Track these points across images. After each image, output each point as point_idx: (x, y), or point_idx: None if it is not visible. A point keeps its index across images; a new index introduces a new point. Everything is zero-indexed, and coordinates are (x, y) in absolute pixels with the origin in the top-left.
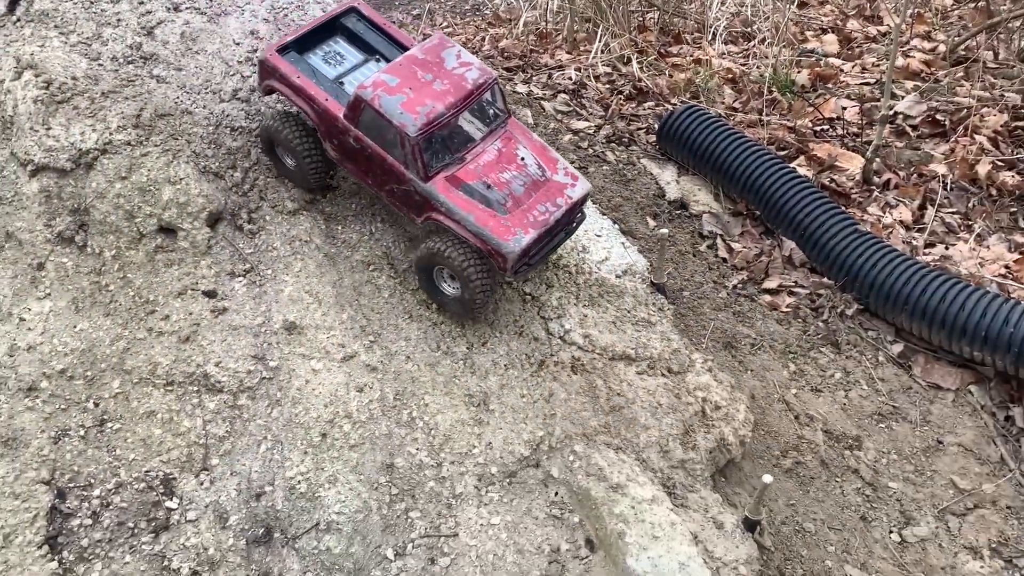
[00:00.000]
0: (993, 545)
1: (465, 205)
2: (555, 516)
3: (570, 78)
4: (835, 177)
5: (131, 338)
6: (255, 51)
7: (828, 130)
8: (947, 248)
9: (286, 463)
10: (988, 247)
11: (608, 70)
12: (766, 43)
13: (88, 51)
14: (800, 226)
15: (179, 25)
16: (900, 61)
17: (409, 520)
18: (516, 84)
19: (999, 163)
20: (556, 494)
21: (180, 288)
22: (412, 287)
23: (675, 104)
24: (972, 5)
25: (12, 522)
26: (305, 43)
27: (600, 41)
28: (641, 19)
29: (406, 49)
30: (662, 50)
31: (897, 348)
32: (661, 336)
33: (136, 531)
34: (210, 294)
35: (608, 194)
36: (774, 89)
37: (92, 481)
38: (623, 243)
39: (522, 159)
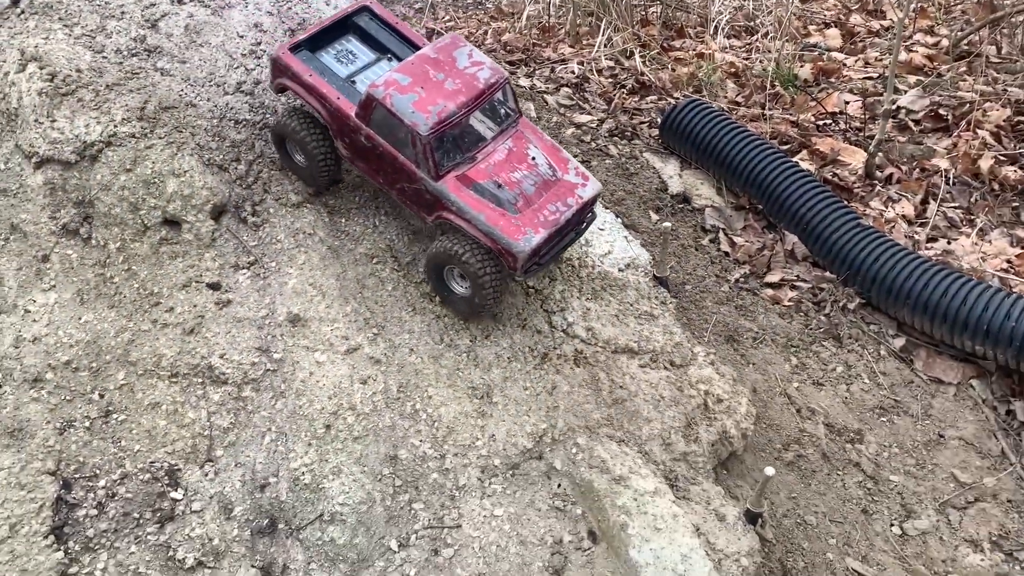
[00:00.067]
0: (994, 538)
1: (476, 204)
2: (558, 508)
3: (573, 72)
4: (837, 171)
5: (136, 330)
6: (259, 44)
7: (831, 124)
8: (949, 243)
9: (290, 454)
10: (990, 241)
11: (611, 64)
12: (769, 37)
13: (92, 43)
14: (802, 220)
15: (183, 18)
16: (903, 55)
17: (413, 511)
18: (519, 78)
19: (1001, 158)
20: (559, 486)
21: (184, 280)
22: (416, 280)
23: (678, 98)
24: (975, 0)
25: (18, 512)
26: (317, 41)
27: (603, 35)
28: (644, 13)
29: (418, 48)
30: (665, 44)
31: (899, 342)
32: (663, 329)
33: (141, 522)
34: (214, 286)
35: (611, 188)
36: (777, 83)
37: (97, 472)
38: (626, 237)
39: (533, 158)
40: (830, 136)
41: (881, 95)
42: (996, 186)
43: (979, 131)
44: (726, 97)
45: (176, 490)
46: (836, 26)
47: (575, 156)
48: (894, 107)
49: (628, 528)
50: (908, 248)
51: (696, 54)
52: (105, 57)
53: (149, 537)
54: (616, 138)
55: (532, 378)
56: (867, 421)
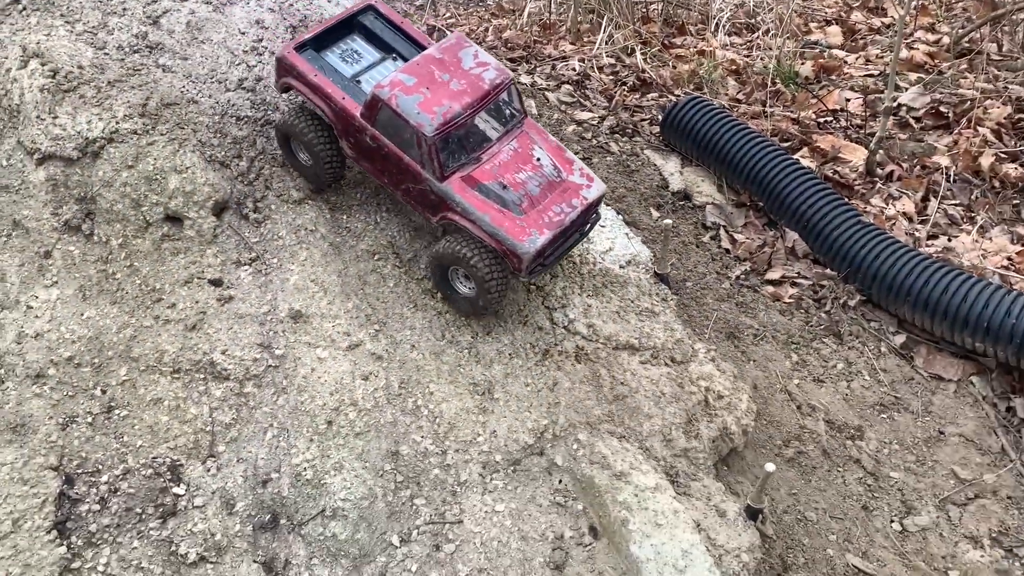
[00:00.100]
0: (993, 534)
1: (481, 205)
2: (559, 503)
3: (574, 69)
4: (838, 169)
5: (138, 326)
6: (260, 41)
7: (832, 122)
8: (950, 240)
9: (292, 450)
10: (991, 239)
11: (612, 61)
12: (770, 34)
13: (94, 40)
14: (803, 217)
15: (184, 14)
16: (904, 53)
17: (414, 507)
18: (520, 75)
19: (1002, 155)
20: (560, 482)
21: (186, 276)
22: (417, 276)
23: (679, 95)
24: None
25: (21, 507)
26: (322, 41)
27: (604, 32)
28: (645, 10)
29: (423, 48)
30: (666, 41)
31: (899, 339)
32: (664, 326)
33: (144, 517)
34: (216, 283)
35: (612, 185)
36: (778, 81)
37: (100, 467)
38: (627, 234)
39: (538, 159)
40: (831, 133)
41: (882, 92)
42: (997, 183)
43: (980, 128)
44: (727, 94)
45: (178, 485)
46: (837, 23)
47: (576, 153)
48: (895, 104)
49: (629, 524)
50: (909, 245)
51: (697, 51)
52: (107, 54)
53: (151, 532)
54: (617, 135)
55: (533, 374)
56: (867, 418)
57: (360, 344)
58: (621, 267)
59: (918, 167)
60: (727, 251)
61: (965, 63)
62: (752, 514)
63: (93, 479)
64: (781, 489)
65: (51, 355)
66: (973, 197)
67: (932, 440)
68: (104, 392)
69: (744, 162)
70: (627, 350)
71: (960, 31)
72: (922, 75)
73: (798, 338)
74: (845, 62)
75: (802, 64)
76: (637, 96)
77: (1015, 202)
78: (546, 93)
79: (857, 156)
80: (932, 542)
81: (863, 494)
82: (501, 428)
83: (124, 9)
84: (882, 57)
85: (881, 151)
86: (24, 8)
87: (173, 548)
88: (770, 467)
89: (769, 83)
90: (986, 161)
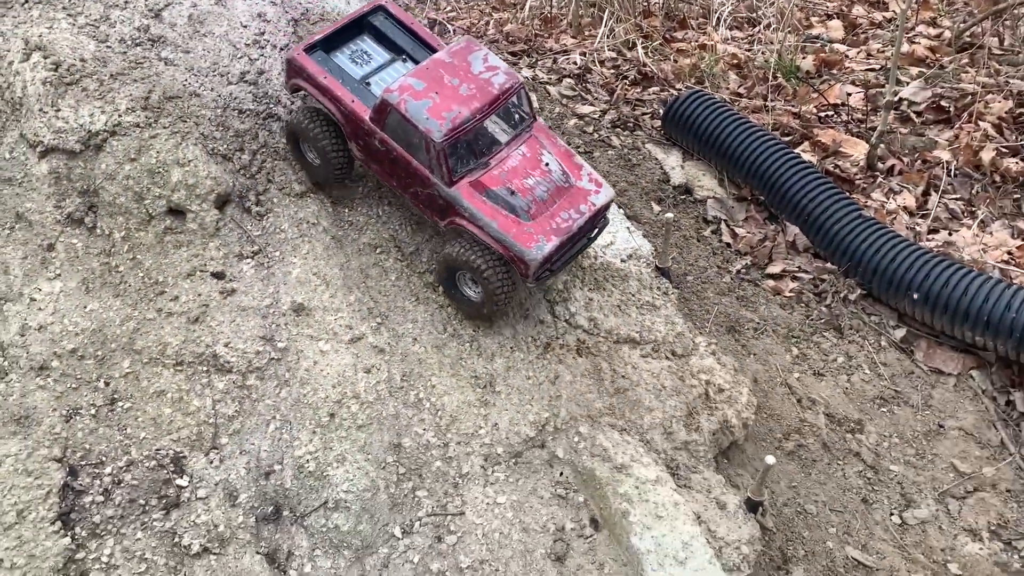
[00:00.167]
0: (993, 527)
1: (488, 211)
2: (560, 496)
3: (575, 63)
4: (839, 163)
5: (141, 319)
6: (263, 34)
7: (833, 116)
8: (950, 234)
9: (295, 442)
10: (991, 233)
11: (613, 55)
12: (771, 29)
13: (96, 33)
14: (804, 211)
15: (186, 7)
16: (905, 47)
17: (416, 499)
18: (521, 69)
19: (1003, 150)
20: (561, 474)
21: (189, 269)
22: (419, 270)
23: (680, 89)
24: None
25: (25, 499)
26: (332, 42)
27: (605, 26)
28: (646, 4)
29: (433, 49)
30: (667, 35)
31: (899, 333)
32: (665, 320)
33: (147, 508)
34: (219, 275)
35: (613, 179)
36: (779, 75)
37: (103, 459)
38: (628, 227)
39: (547, 164)
40: (832, 128)
41: (883, 87)
42: (997, 178)
43: (981, 123)
44: (728, 88)
45: (181, 477)
46: (838, 17)
47: (577, 147)
48: (896, 99)
49: (630, 516)
50: (909, 239)
51: (698, 45)
52: (109, 46)
53: (155, 523)
54: (618, 129)
55: (535, 367)
56: (867, 411)
57: (362, 337)
58: (622, 261)
59: (919, 161)
60: (728, 245)
61: (966, 57)
62: (752, 507)
63: (97, 471)
64: (781, 482)
65: (54, 347)
66: (974, 191)
67: (932, 434)
68: (107, 384)
69: (745, 156)
70: (628, 343)
71: (961, 25)
72: (923, 69)
73: (798, 332)
74: (846, 56)
75: (803, 58)
76: (638, 90)
77: (1016, 196)
78: (547, 87)
79: (858, 150)
80: (931, 535)
81: (863, 487)
82: (503, 421)
83: (126, 2)
84: (883, 51)
85: (882, 145)
86: (26, 1)
87: (176, 539)
88: (770, 460)
89: (770, 77)
90: (987, 155)
